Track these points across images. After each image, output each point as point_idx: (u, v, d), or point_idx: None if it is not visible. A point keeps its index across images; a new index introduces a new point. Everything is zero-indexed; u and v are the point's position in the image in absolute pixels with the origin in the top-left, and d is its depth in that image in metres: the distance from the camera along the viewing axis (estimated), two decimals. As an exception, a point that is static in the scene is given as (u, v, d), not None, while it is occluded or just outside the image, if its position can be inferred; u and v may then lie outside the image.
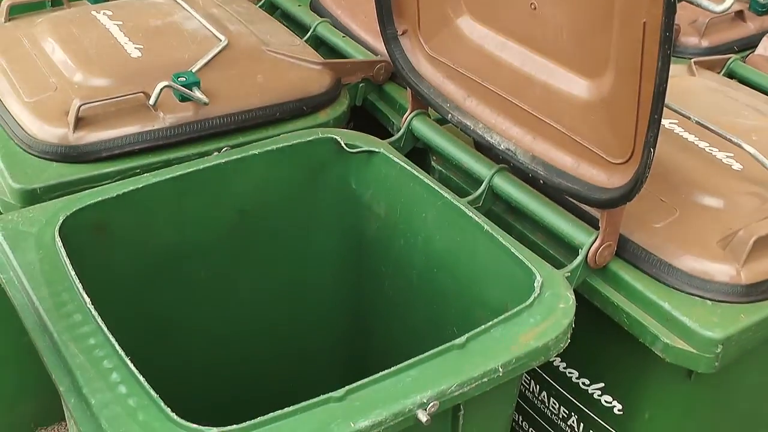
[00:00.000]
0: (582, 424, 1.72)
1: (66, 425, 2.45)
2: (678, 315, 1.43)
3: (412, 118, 1.78)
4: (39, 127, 1.66)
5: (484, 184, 1.64)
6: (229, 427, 1.13)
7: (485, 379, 1.26)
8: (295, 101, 1.81)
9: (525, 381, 1.82)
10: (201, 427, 1.13)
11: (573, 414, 1.74)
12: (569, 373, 1.71)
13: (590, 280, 1.53)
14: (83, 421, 1.19)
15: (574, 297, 1.41)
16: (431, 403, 1.21)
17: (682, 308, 1.44)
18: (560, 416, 1.77)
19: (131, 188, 1.55)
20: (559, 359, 1.72)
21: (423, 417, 1.20)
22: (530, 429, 1.88)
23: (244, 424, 1.15)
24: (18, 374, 2.34)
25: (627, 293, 1.50)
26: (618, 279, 1.51)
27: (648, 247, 1.50)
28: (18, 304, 1.38)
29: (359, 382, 1.22)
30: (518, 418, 1.90)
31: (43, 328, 1.32)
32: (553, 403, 1.78)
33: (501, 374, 1.28)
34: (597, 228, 1.52)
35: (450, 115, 1.68)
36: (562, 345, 1.36)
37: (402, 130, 1.79)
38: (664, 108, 1.73)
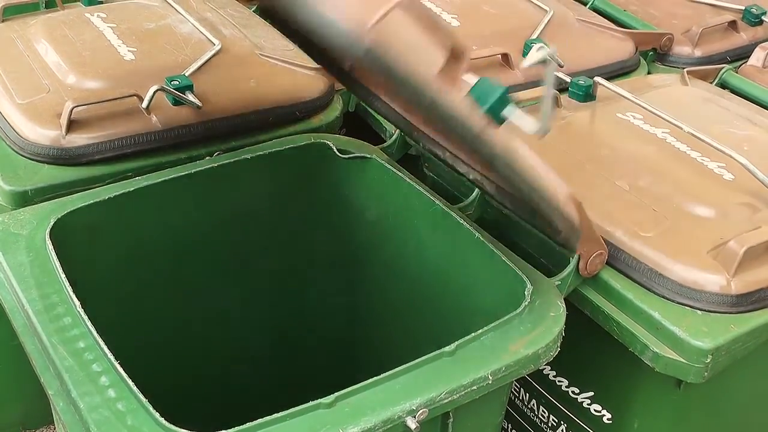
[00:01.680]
0: (571, 433, 1.73)
1: (54, 428, 2.44)
2: (668, 324, 1.43)
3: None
4: (31, 128, 1.65)
5: (476, 191, 1.65)
6: (217, 432, 1.13)
7: (474, 387, 1.26)
8: (288, 106, 1.81)
9: (514, 389, 1.82)
10: (189, 432, 1.13)
11: (562, 423, 1.74)
12: (559, 381, 1.71)
13: (581, 289, 1.53)
14: (72, 424, 1.19)
15: (564, 305, 1.42)
16: (420, 410, 1.21)
17: (672, 318, 1.44)
18: (549, 425, 1.77)
19: (123, 191, 1.54)
20: (548, 368, 1.72)
21: (412, 424, 1.20)
22: (519, 437, 1.88)
23: (232, 430, 1.15)
24: (6, 377, 2.33)
25: (617, 302, 1.50)
26: (609, 288, 1.51)
27: (639, 257, 1.51)
28: (8, 306, 1.38)
29: (349, 389, 1.22)
30: (507, 427, 1.90)
31: (33, 330, 1.32)
32: (543, 411, 1.78)
33: (490, 382, 1.28)
34: (588, 237, 1.52)
35: (421, 143, 1.67)
36: (552, 353, 1.36)
37: (394, 136, 1.79)
38: (658, 117, 1.76)
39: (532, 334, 1.34)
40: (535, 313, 1.37)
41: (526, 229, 1.59)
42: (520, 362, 1.31)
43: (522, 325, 1.35)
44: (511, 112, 1.18)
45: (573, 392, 1.69)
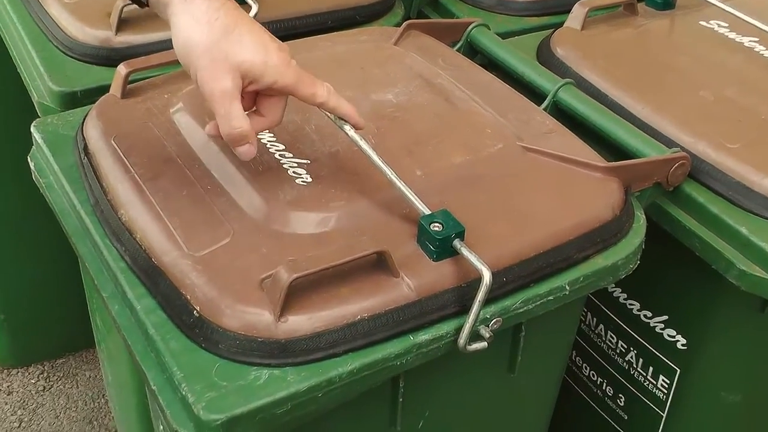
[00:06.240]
0: (641, 360, 1.69)
1: (94, 351, 2.46)
2: (756, 240, 1.38)
3: (471, 29, 1.74)
4: (80, 29, 1.63)
5: (548, 98, 1.60)
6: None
7: (551, 297, 1.24)
8: (348, 9, 1.77)
9: (582, 312, 1.78)
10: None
11: (632, 349, 1.71)
12: (630, 304, 1.67)
13: (660, 203, 1.48)
14: (128, 328, 1.18)
15: (644, 217, 1.38)
16: (494, 320, 1.19)
17: (761, 233, 1.38)
18: (618, 351, 1.74)
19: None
20: (619, 290, 1.69)
21: (485, 333, 1.17)
22: (584, 364, 1.85)
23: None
24: (48, 297, 2.36)
25: (700, 217, 1.45)
26: (691, 201, 1.46)
27: (724, 169, 1.45)
28: (58, 208, 1.37)
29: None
30: (572, 354, 1.87)
31: (85, 231, 1.31)
32: (611, 336, 1.75)
33: (567, 292, 1.25)
34: (670, 146, 1.48)
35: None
36: (631, 266, 1.33)
37: (460, 42, 1.74)
38: (746, 24, 1.69)
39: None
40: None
41: (602, 137, 1.53)
42: (599, 273, 1.28)
43: (601, 236, 1.31)
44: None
45: (645, 316, 1.65)
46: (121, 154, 1.33)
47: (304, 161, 1.30)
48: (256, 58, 1.15)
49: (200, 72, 1.15)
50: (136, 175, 1.29)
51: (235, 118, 1.15)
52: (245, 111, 1.18)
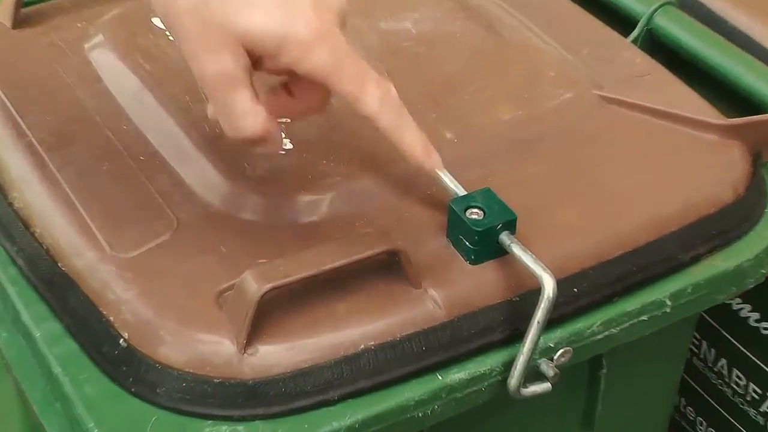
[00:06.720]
0: (783, 411, 1.73)
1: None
2: None
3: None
4: None
5: (639, 26, 1.63)
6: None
7: (644, 317, 1.24)
8: None
9: (693, 341, 1.81)
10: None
11: (768, 394, 1.73)
12: (764, 329, 1.69)
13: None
14: (20, 363, 1.20)
15: (782, 197, 1.40)
16: (561, 350, 1.20)
17: None
18: (747, 398, 1.77)
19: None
20: (749, 307, 1.70)
21: (548, 370, 1.18)
22: (698, 418, 1.89)
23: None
24: None
25: None
26: None
27: None
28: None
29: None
30: (679, 401, 1.91)
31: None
32: (737, 376, 1.77)
33: (669, 310, 1.26)
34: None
35: None
36: (763, 271, 1.33)
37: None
38: None
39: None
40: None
41: (713, 77, 1.57)
42: (715, 281, 1.29)
43: (717, 226, 1.33)
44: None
45: (788, 347, 1.68)
46: (12, 110, 1.35)
47: (282, 119, 1.31)
48: (270, 24, 0.99)
49: (185, 42, 1.02)
50: (34, 142, 1.31)
51: (240, 116, 1.05)
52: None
